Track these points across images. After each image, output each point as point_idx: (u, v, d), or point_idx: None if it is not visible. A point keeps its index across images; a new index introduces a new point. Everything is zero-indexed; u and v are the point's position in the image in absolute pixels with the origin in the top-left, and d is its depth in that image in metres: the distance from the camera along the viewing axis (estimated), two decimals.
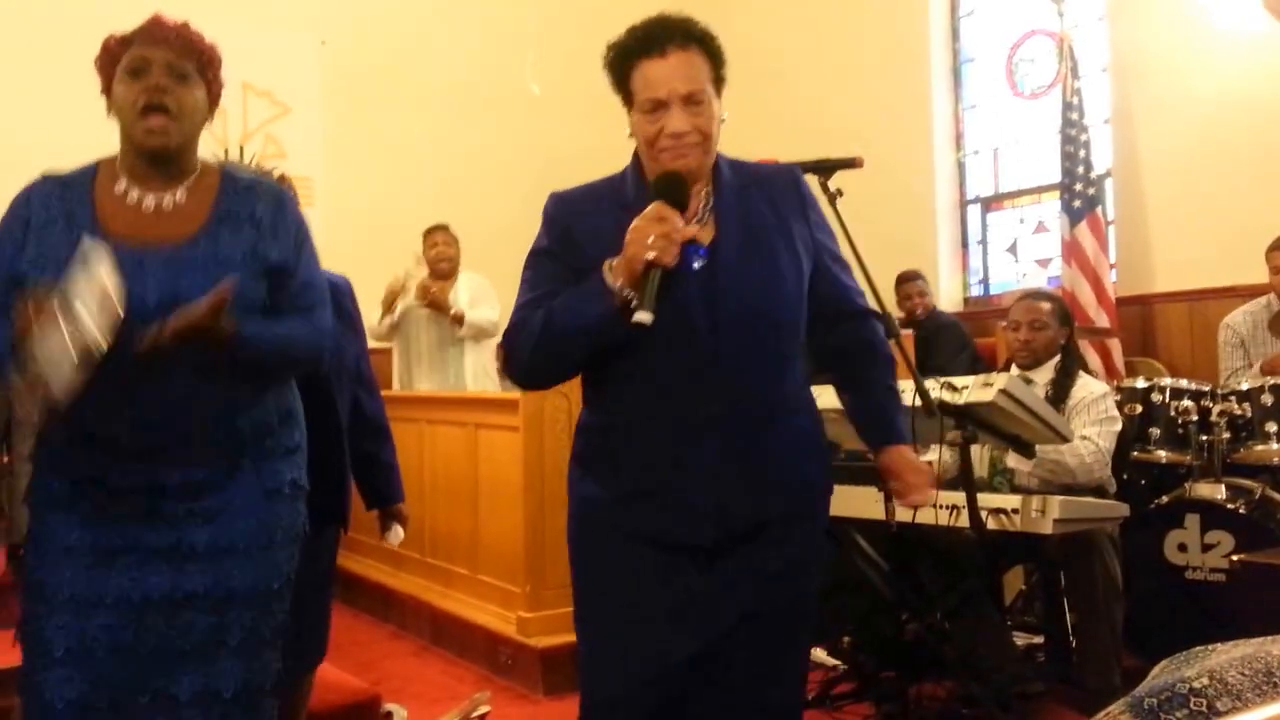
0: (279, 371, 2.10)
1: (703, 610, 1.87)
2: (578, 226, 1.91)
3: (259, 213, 2.02)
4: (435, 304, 5.42)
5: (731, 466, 1.85)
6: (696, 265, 1.83)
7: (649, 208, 1.76)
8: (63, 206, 1.95)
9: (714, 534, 1.86)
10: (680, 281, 1.78)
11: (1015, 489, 3.44)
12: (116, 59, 1.98)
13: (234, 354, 1.90)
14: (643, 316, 1.70)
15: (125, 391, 1.89)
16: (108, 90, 2.01)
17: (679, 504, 1.85)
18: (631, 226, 1.75)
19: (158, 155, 1.98)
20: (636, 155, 1.95)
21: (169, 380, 1.89)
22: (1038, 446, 3.26)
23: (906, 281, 5.75)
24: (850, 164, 2.84)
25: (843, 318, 2.02)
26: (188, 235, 1.96)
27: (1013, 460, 3.35)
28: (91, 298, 1.72)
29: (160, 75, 1.95)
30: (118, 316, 1.74)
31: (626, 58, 1.86)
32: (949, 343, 5.46)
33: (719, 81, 1.90)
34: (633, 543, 1.88)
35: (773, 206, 1.93)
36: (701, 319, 1.81)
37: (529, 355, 1.88)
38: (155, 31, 1.97)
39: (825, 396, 3.13)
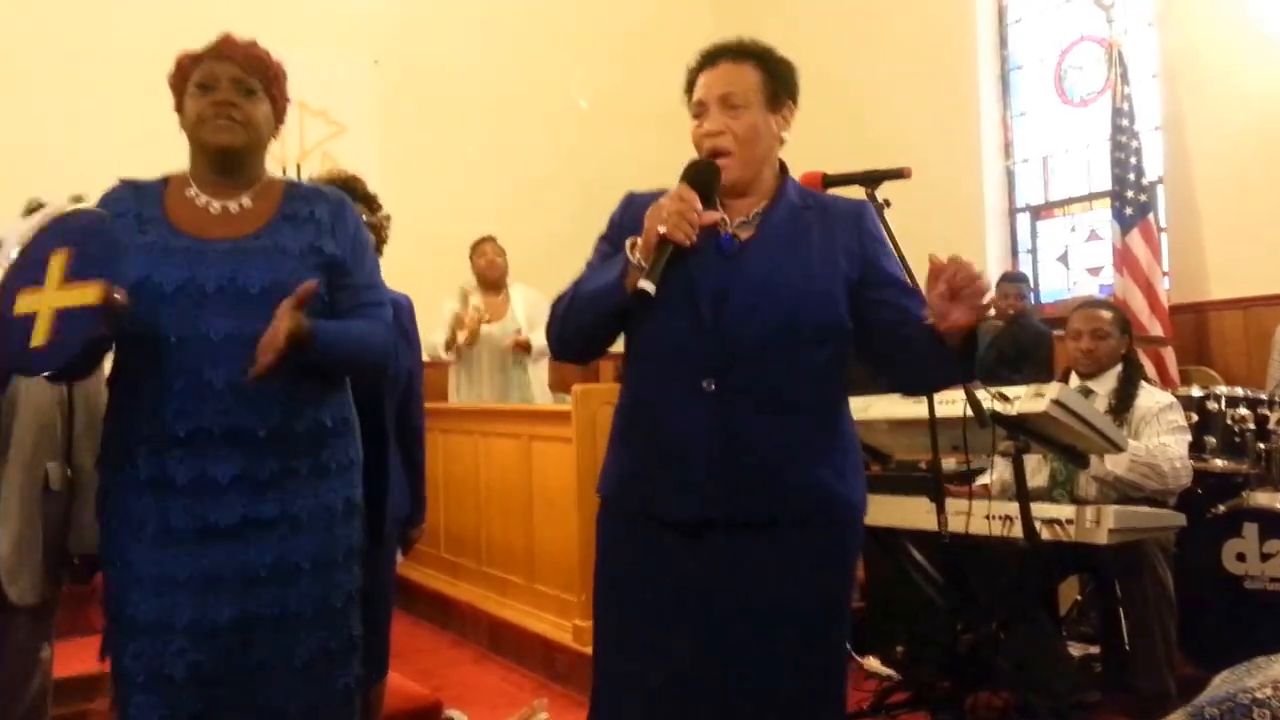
0: (350, 372, 2.15)
1: (699, 596, 1.86)
2: (637, 227, 1.92)
3: (319, 213, 2.11)
4: (516, 346, 5.52)
5: (724, 445, 1.84)
6: (725, 250, 1.89)
7: (674, 187, 1.84)
8: (134, 206, 2.05)
9: (698, 507, 1.85)
10: (697, 260, 1.82)
11: (1075, 500, 3.43)
12: (188, 76, 2.06)
13: (309, 353, 1.95)
14: (644, 284, 1.73)
15: (169, 380, 1.95)
16: (180, 107, 2.09)
17: (667, 475, 1.87)
18: (654, 204, 1.82)
19: (225, 154, 2.05)
20: None
21: (222, 373, 1.95)
22: (1130, 447, 3.26)
23: (1006, 281, 5.63)
24: (898, 174, 2.85)
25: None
26: (250, 231, 2.05)
27: (1110, 463, 3.32)
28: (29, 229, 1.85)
29: (228, 90, 2.03)
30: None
31: (693, 75, 1.97)
32: (1035, 347, 5.30)
33: (775, 98, 1.93)
34: (631, 522, 1.94)
35: (824, 226, 1.93)
36: (707, 294, 1.85)
37: (559, 322, 1.95)
38: (224, 49, 2.06)
39: (879, 406, 3.19)
